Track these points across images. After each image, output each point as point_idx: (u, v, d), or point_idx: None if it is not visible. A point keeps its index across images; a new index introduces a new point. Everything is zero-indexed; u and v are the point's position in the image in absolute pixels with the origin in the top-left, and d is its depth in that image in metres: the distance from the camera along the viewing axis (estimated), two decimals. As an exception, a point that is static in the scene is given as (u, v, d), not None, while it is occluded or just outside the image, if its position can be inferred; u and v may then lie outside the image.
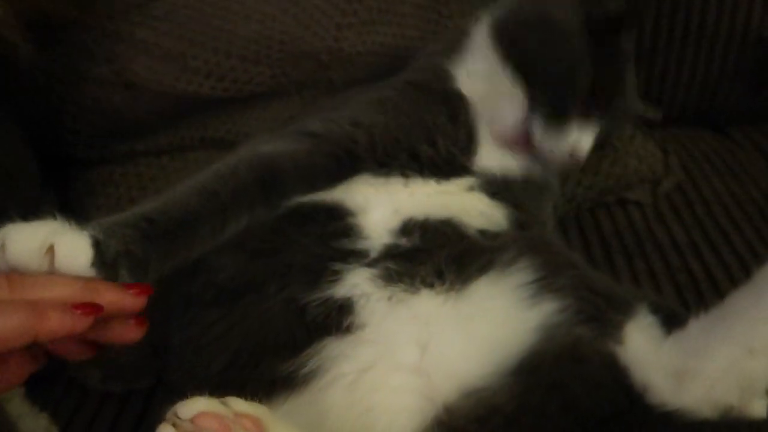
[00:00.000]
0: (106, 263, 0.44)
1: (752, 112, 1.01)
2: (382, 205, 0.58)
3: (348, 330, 0.50)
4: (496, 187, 0.63)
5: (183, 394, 0.50)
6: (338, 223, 0.56)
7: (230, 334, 0.51)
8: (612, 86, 0.63)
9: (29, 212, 0.72)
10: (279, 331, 0.51)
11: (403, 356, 0.50)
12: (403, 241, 0.55)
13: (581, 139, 0.61)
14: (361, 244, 0.55)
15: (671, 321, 0.50)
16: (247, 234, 0.55)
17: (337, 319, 0.51)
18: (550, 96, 0.61)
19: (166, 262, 0.49)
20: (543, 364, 0.49)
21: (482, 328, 0.51)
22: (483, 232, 0.58)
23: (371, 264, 0.54)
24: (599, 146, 0.65)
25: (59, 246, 0.42)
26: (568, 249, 0.62)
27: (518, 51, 0.63)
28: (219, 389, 0.49)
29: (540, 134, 0.61)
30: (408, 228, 0.56)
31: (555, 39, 0.62)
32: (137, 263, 0.46)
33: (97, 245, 0.44)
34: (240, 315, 0.52)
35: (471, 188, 0.62)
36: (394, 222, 0.57)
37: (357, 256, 0.54)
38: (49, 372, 0.66)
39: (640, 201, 0.85)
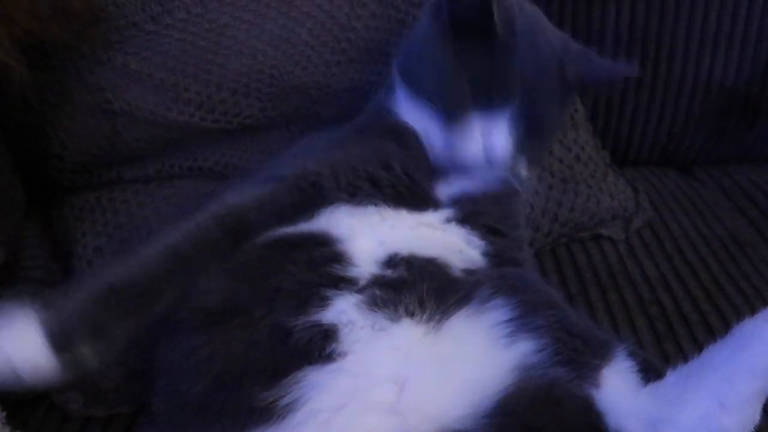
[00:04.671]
0: (66, 354, 0.47)
1: (715, 153, 1.06)
2: (367, 235, 0.59)
3: (330, 358, 0.50)
4: (469, 212, 0.64)
5: (164, 418, 0.50)
6: (326, 250, 0.57)
7: (214, 358, 0.51)
8: (494, 78, 0.62)
9: (12, 237, 0.73)
10: (262, 356, 0.51)
11: (380, 394, 0.50)
12: (389, 273, 0.56)
13: (491, 137, 0.62)
14: (351, 271, 0.55)
15: (648, 368, 0.52)
16: (236, 260, 0.56)
17: (321, 345, 0.51)
18: (437, 105, 0.63)
19: (132, 330, 0.51)
20: (519, 406, 0.49)
21: (460, 368, 0.52)
22: (464, 271, 0.60)
23: (360, 291, 0.54)
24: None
25: (19, 364, 0.46)
26: (546, 285, 0.63)
27: (410, 80, 0.67)
28: (199, 415, 0.50)
29: (441, 143, 0.63)
30: (393, 261, 0.57)
31: (425, 52, 0.66)
32: (100, 341, 0.49)
33: (54, 337, 0.47)
34: (225, 339, 0.52)
35: (448, 221, 0.63)
36: (380, 254, 0.58)
37: (347, 283, 0.55)
38: (30, 397, 0.66)
39: (612, 236, 0.88)
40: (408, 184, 0.63)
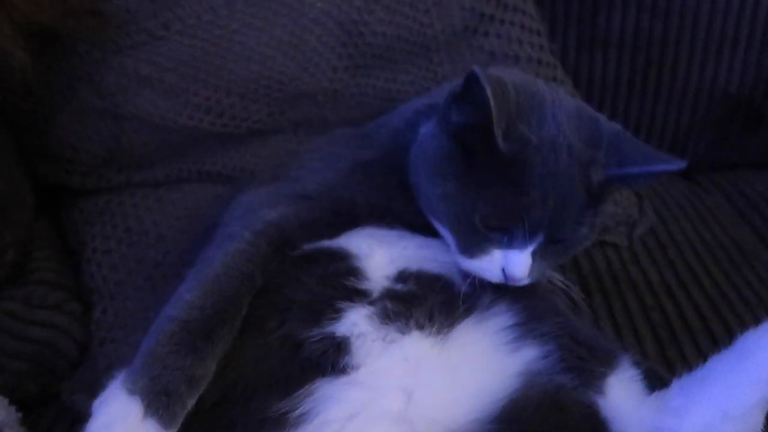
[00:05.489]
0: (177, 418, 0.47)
1: (719, 160, 1.07)
2: (380, 253, 0.59)
3: (343, 371, 0.51)
4: None
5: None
6: (341, 264, 0.57)
7: (226, 368, 0.52)
8: (511, 206, 0.54)
9: (22, 238, 0.74)
10: (274, 367, 0.51)
11: (390, 404, 0.50)
12: (400, 287, 0.57)
13: (509, 261, 0.55)
14: (364, 284, 0.56)
15: (653, 376, 0.53)
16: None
17: (334, 357, 0.51)
18: (452, 232, 0.57)
19: (220, 355, 0.51)
20: (524, 411, 0.50)
21: (466, 375, 0.52)
22: (470, 285, 0.59)
23: (372, 303, 0.55)
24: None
25: None
26: (552, 292, 0.63)
27: (421, 188, 0.60)
28: (209, 425, 0.50)
29: (462, 264, 0.57)
30: (404, 276, 0.58)
31: (436, 169, 0.58)
32: (200, 384, 0.49)
33: (164, 419, 0.47)
34: (237, 349, 0.52)
35: None
36: (392, 269, 0.58)
37: (360, 295, 0.55)
38: (41, 399, 0.67)
39: (616, 243, 0.89)
40: (425, 223, 0.62)
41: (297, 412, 0.49)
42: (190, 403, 0.48)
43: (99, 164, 0.80)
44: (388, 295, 0.56)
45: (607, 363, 0.53)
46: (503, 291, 0.57)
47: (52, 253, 0.77)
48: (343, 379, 0.51)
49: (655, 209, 0.94)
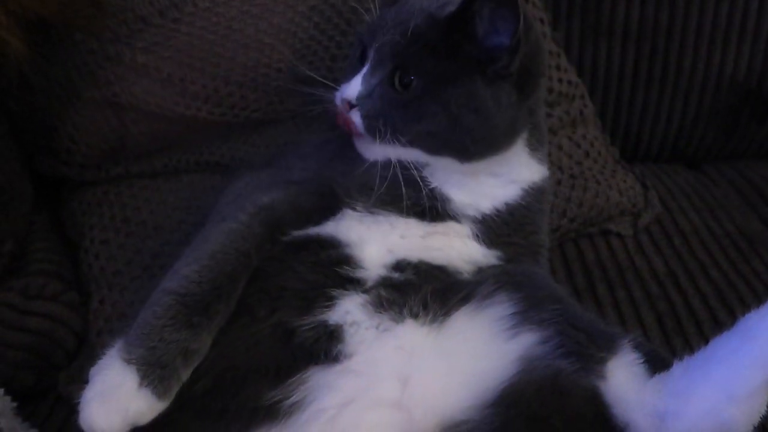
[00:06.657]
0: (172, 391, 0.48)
1: (725, 150, 1.06)
2: (376, 242, 0.58)
3: (336, 359, 0.51)
4: (487, 229, 0.61)
5: (167, 415, 0.50)
6: (333, 252, 0.56)
7: (216, 356, 0.51)
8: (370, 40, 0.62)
9: (20, 229, 0.73)
10: (265, 355, 0.51)
11: (385, 391, 0.50)
12: (396, 275, 0.56)
13: (347, 88, 0.62)
14: (359, 273, 0.56)
15: (654, 359, 0.52)
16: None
17: (326, 345, 0.51)
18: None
19: (217, 330, 0.51)
20: (524, 396, 0.50)
21: (463, 361, 0.52)
22: (473, 273, 0.59)
23: (366, 291, 0.55)
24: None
25: (137, 420, 0.47)
26: (552, 280, 0.63)
27: None
28: (201, 413, 0.50)
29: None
30: (402, 266, 0.57)
31: None
32: (195, 358, 0.50)
33: (158, 389, 0.47)
34: (228, 337, 0.52)
35: (468, 236, 0.61)
36: (389, 259, 0.58)
37: (354, 284, 0.55)
38: (38, 389, 0.67)
39: (621, 232, 0.88)
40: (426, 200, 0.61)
41: (290, 400, 0.49)
42: (185, 375, 0.49)
43: (97, 155, 0.79)
44: (383, 283, 0.55)
45: (607, 348, 0.52)
46: (504, 280, 0.57)
47: (51, 244, 0.77)
48: (336, 368, 0.51)
49: (661, 199, 0.93)
